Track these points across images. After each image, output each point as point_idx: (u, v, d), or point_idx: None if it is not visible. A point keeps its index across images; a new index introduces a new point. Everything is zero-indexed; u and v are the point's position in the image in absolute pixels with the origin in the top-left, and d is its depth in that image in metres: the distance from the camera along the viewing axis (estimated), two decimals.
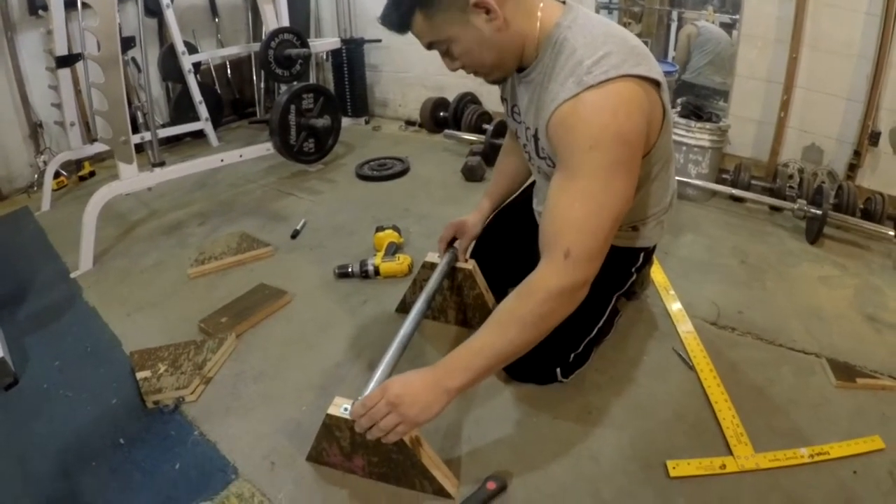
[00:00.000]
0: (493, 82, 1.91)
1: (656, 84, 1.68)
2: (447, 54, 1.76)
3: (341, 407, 1.71)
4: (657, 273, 2.83)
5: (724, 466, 1.79)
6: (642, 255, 2.22)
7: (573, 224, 1.60)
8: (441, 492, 1.75)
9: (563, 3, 1.78)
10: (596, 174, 1.57)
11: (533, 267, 1.65)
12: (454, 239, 2.44)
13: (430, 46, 1.76)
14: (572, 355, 2.10)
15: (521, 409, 2.08)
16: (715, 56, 5.14)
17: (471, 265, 2.40)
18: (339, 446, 1.80)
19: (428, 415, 1.57)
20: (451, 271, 2.41)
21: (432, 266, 2.38)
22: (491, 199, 2.49)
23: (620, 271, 2.22)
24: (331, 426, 1.76)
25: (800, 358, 2.28)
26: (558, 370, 2.10)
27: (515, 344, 1.61)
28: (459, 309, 2.52)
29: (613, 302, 2.23)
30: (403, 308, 2.65)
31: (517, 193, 2.57)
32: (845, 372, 2.16)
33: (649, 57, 1.70)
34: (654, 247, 2.31)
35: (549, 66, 1.71)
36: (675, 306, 2.60)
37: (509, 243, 2.48)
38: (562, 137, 1.63)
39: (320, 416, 1.76)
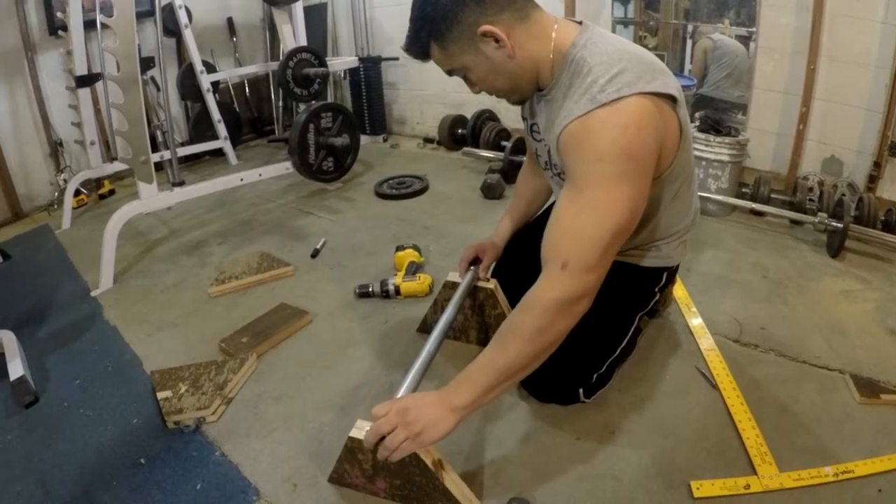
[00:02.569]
0: (514, 104, 1.95)
1: (672, 100, 1.69)
2: (466, 80, 1.82)
3: (363, 430, 1.69)
4: (678, 289, 2.81)
5: (748, 486, 1.77)
6: (665, 274, 2.21)
7: (572, 235, 1.61)
8: None
9: (579, 22, 1.79)
10: (600, 186, 1.59)
11: None
12: (476, 259, 2.43)
13: (450, 73, 1.82)
14: (595, 375, 2.08)
15: (543, 429, 2.06)
16: (733, 69, 5.11)
17: (492, 284, 2.39)
18: (360, 468, 1.79)
19: (434, 433, 1.57)
20: (473, 291, 2.41)
21: (454, 285, 2.36)
22: (511, 219, 2.51)
23: (644, 291, 2.21)
24: (353, 449, 1.75)
25: (823, 374, 2.25)
26: (581, 390, 2.08)
27: (517, 359, 1.61)
28: (481, 329, 2.50)
29: (637, 322, 2.21)
30: (424, 328, 2.63)
31: (539, 213, 2.58)
32: (869, 388, 2.13)
33: (666, 72, 1.71)
34: (678, 266, 2.31)
35: (566, 85, 1.72)
36: (696, 323, 2.58)
37: (530, 263, 2.43)
38: (570, 151, 1.64)
39: (342, 436, 1.75)
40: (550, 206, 2.50)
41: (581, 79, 1.65)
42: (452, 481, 1.69)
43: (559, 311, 1.60)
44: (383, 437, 1.57)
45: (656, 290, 2.24)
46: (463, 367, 1.66)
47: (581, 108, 1.61)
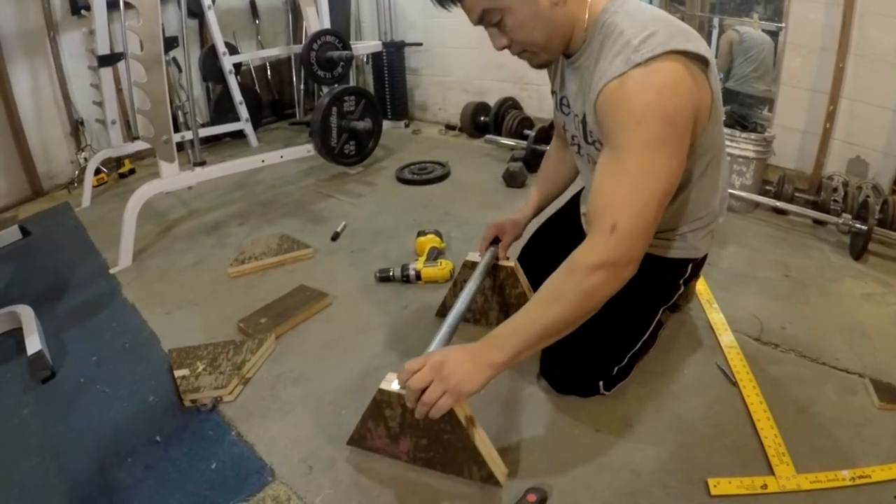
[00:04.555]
0: (539, 65, 1.87)
1: (705, 64, 1.66)
2: (499, 26, 1.73)
3: (394, 382, 1.68)
4: (700, 283, 2.78)
5: (765, 486, 1.74)
6: (690, 266, 2.18)
7: (619, 199, 1.59)
8: (490, 478, 1.73)
9: None
10: (640, 151, 1.57)
11: None
12: (496, 239, 2.42)
13: (481, 18, 1.73)
14: (616, 368, 2.06)
15: (562, 420, 2.04)
16: (759, 63, 5.04)
17: (513, 263, 2.38)
18: (386, 427, 1.77)
19: (470, 386, 1.55)
20: (493, 270, 2.40)
21: (473, 265, 2.35)
22: (534, 201, 2.49)
23: (668, 284, 2.18)
24: (381, 403, 1.73)
25: (842, 377, 2.21)
26: (601, 383, 2.05)
27: (558, 322, 1.59)
28: (501, 309, 2.49)
29: (659, 315, 2.18)
30: (443, 312, 2.61)
31: (566, 202, 2.58)
32: (888, 393, 2.09)
33: (698, 37, 1.67)
34: (704, 259, 2.27)
35: (597, 49, 1.70)
36: (717, 319, 2.55)
37: (557, 251, 2.42)
38: (608, 114, 1.63)
39: (359, 419, 1.74)
40: (575, 197, 2.50)
41: (612, 40, 1.64)
42: (482, 440, 1.69)
43: (606, 275, 1.58)
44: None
45: (681, 282, 2.20)
46: None
47: (615, 69, 1.59)
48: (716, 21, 5.57)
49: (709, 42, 5.61)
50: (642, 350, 2.16)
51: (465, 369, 1.55)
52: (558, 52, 1.84)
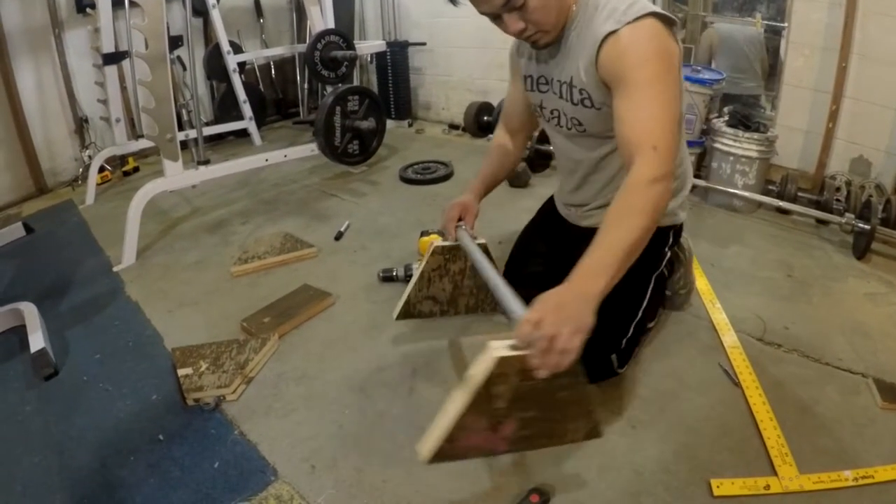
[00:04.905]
0: (545, 45, 2.00)
1: (674, 26, 1.85)
2: (521, 9, 1.83)
3: (504, 347, 1.46)
4: (702, 284, 2.78)
5: (768, 487, 1.74)
6: (672, 233, 2.32)
7: (650, 126, 1.74)
8: (594, 430, 1.71)
9: None
10: (653, 84, 1.75)
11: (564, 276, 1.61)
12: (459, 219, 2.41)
13: (509, 3, 1.80)
14: (624, 340, 2.12)
15: None
16: (737, 59, 5.00)
17: (484, 240, 2.35)
18: (490, 414, 1.53)
19: (587, 323, 1.48)
20: (458, 252, 2.38)
21: (447, 250, 2.35)
22: (484, 182, 2.53)
23: (655, 251, 2.23)
24: (493, 380, 1.45)
25: (845, 377, 2.21)
26: (614, 357, 2.09)
27: (638, 234, 1.63)
28: (472, 293, 2.49)
29: (653, 283, 2.23)
30: (408, 313, 2.54)
31: (536, 214, 2.72)
32: (891, 393, 2.08)
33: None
34: (682, 226, 2.38)
35: (584, 22, 1.90)
36: (720, 319, 2.55)
37: (543, 256, 2.51)
38: (615, 63, 1.81)
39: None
40: (549, 201, 2.65)
41: (600, 11, 1.86)
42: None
43: (662, 187, 1.69)
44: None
45: (666, 249, 2.30)
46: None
47: (609, 26, 1.80)
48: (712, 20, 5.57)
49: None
50: (644, 320, 2.20)
51: (579, 305, 1.50)
52: (557, 34, 1.98)
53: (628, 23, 1.77)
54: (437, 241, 2.39)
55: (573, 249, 1.87)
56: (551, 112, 2.20)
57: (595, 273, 1.57)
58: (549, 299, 1.50)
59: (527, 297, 1.69)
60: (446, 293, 2.49)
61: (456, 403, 1.50)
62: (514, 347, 1.44)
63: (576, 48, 1.94)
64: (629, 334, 2.13)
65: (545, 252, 2.51)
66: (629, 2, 1.81)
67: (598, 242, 1.63)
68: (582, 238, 1.97)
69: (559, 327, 1.41)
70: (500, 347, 1.46)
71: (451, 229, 2.35)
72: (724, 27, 5.27)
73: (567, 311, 1.46)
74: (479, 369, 1.46)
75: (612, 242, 1.61)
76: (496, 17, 1.87)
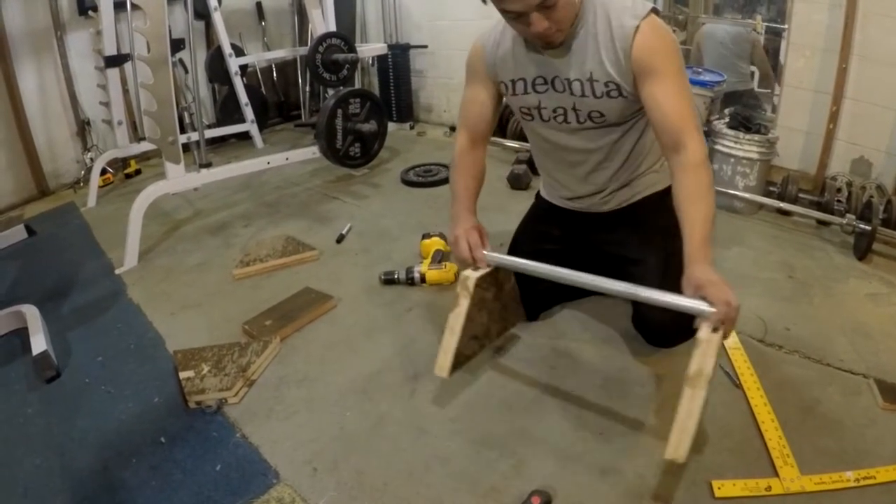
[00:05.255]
0: (558, 44, 2.05)
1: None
2: (552, 7, 1.88)
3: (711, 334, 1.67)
4: None
5: (769, 488, 1.74)
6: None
7: (687, 110, 1.96)
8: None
9: None
10: (679, 75, 1.98)
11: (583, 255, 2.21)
12: None
13: (545, 2, 1.85)
14: None
15: (566, 424, 2.04)
16: (717, 58, 4.99)
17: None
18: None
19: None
20: (495, 277, 2.27)
21: (486, 279, 2.16)
22: (471, 198, 2.40)
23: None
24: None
25: (847, 378, 2.21)
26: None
27: (713, 204, 1.87)
28: (492, 318, 2.36)
29: None
30: (456, 366, 2.18)
31: (535, 208, 2.74)
32: (892, 394, 2.08)
33: None
34: None
35: (593, 19, 2.02)
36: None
37: (552, 241, 2.53)
38: (648, 54, 1.95)
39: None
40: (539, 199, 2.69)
41: (606, 8, 2.01)
42: None
43: (709, 165, 1.95)
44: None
45: None
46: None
47: (631, 22, 1.95)
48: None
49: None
50: None
51: (716, 273, 1.74)
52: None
53: (643, 17, 1.94)
54: (470, 273, 2.13)
55: (600, 233, 2.42)
56: (553, 111, 2.22)
57: (704, 245, 1.80)
58: (706, 280, 1.70)
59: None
60: (484, 325, 2.33)
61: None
62: (716, 329, 1.65)
63: (591, 45, 2.03)
64: None
65: (559, 236, 2.52)
66: (627, 1, 2.01)
67: (691, 220, 1.84)
68: (608, 221, 2.41)
69: (733, 295, 1.66)
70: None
71: (480, 257, 2.17)
72: (708, 27, 5.27)
73: (722, 282, 1.69)
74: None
75: (703, 217, 1.83)
76: (519, 16, 1.89)
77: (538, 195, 2.72)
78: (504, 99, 2.35)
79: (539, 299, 2.55)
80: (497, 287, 2.29)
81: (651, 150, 2.35)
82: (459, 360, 2.10)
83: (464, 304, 2.08)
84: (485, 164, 2.46)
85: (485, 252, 2.14)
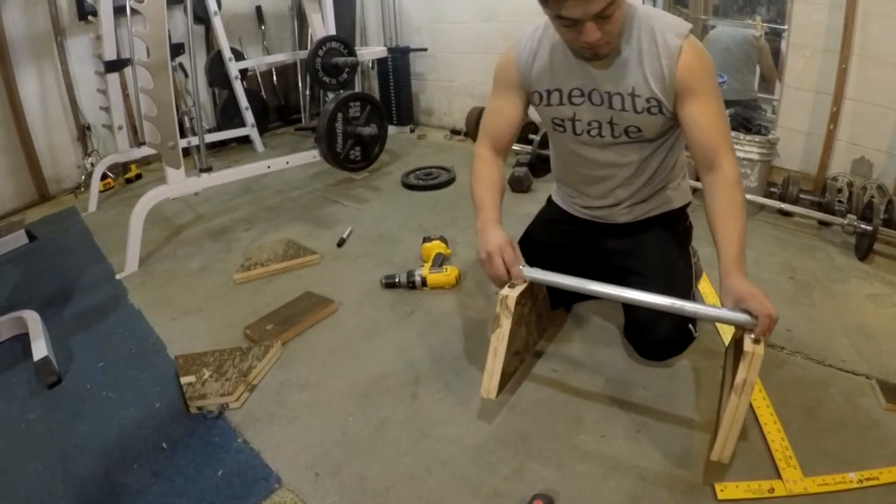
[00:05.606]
0: (604, 56, 2.05)
1: None
2: (608, 18, 1.88)
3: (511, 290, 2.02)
4: (706, 287, 2.78)
5: (772, 490, 1.74)
6: (687, 209, 2.55)
7: (725, 129, 2.05)
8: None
9: None
10: (717, 95, 2.03)
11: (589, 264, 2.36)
12: None
13: (603, 10, 1.84)
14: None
15: (568, 426, 2.04)
16: (728, 63, 4.99)
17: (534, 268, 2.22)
18: (517, 330, 2.11)
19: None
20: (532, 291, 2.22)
21: (525, 295, 2.12)
22: (496, 209, 2.30)
23: (687, 227, 2.54)
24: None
25: (849, 379, 2.21)
26: (691, 326, 2.22)
27: (745, 222, 1.95)
28: (534, 328, 2.36)
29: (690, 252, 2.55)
30: (502, 385, 2.10)
31: (546, 213, 2.73)
32: (895, 395, 2.08)
33: None
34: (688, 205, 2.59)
35: (637, 35, 2.03)
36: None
37: (558, 247, 2.52)
38: (691, 74, 1.99)
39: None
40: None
41: (650, 25, 2.02)
42: None
43: (741, 183, 2.03)
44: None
45: (688, 223, 2.55)
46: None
47: (676, 41, 1.98)
48: (720, 25, 5.56)
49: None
50: (693, 286, 2.50)
51: (755, 285, 1.81)
52: None
53: (685, 37, 1.99)
54: (509, 292, 2.05)
55: (610, 241, 2.45)
56: (588, 123, 2.20)
57: (740, 261, 1.88)
58: (747, 292, 1.76)
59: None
60: (523, 339, 2.27)
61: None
62: (757, 341, 1.69)
63: (634, 59, 2.04)
64: (693, 298, 2.40)
65: (569, 244, 2.51)
66: (668, 16, 2.07)
67: (727, 236, 1.92)
68: (620, 231, 2.42)
69: (772, 307, 1.70)
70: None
71: (518, 274, 2.11)
72: (714, 32, 5.26)
73: (762, 293, 1.75)
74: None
75: (739, 235, 1.91)
76: (574, 24, 1.87)
77: (550, 200, 2.71)
78: (531, 109, 2.33)
79: (561, 297, 2.52)
80: (532, 299, 2.26)
81: (674, 167, 2.38)
82: (504, 379, 2.07)
83: (506, 325, 2.03)
84: (504, 174, 2.46)
85: (523, 270, 2.09)
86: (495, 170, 2.36)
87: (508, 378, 2.15)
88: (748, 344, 1.67)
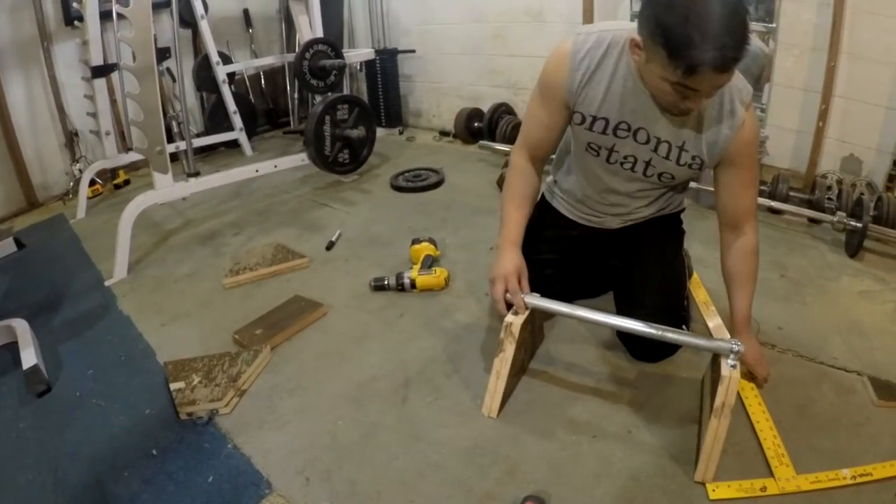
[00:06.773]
0: (685, 113, 1.97)
1: None
2: (711, 95, 1.81)
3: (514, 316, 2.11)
4: (697, 289, 2.78)
5: (764, 489, 1.74)
6: (681, 214, 2.62)
7: (755, 199, 2.18)
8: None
9: None
10: (756, 165, 2.20)
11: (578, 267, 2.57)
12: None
13: (718, 87, 1.76)
14: (685, 299, 2.49)
15: (560, 428, 2.04)
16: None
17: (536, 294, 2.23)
18: (518, 353, 2.14)
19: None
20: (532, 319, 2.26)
21: (527, 322, 2.15)
22: (520, 226, 2.29)
23: (679, 231, 2.59)
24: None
25: (841, 376, 2.22)
26: (684, 327, 2.30)
27: (755, 286, 2.16)
28: (529, 348, 2.37)
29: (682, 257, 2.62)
30: (503, 404, 2.18)
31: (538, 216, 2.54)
32: (887, 391, 2.09)
33: None
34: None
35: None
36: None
37: (553, 252, 2.54)
38: (740, 147, 2.01)
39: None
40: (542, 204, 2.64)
41: (725, 88, 1.88)
42: None
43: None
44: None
45: (682, 226, 2.62)
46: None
47: (740, 111, 1.96)
48: None
49: None
50: (685, 289, 2.58)
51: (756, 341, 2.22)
52: None
53: (748, 108, 1.97)
54: (514, 319, 2.09)
55: (606, 244, 2.50)
56: (625, 157, 2.14)
57: (747, 323, 2.15)
58: (757, 346, 2.20)
59: (538, 280, 2.27)
60: (521, 360, 2.29)
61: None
62: (747, 373, 2.15)
63: (695, 116, 1.98)
64: (685, 292, 2.52)
65: (564, 247, 2.53)
66: (737, 77, 1.88)
67: (741, 298, 2.14)
68: (620, 232, 2.45)
69: (768, 370, 2.17)
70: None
71: (520, 304, 2.13)
72: None
73: (761, 355, 2.19)
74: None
75: (749, 298, 2.14)
76: (688, 91, 1.72)
77: (545, 201, 2.63)
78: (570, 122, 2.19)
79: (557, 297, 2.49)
80: (532, 323, 2.29)
81: (682, 196, 2.54)
82: (504, 399, 2.13)
83: (509, 350, 2.09)
84: (539, 185, 2.36)
85: (524, 298, 2.12)
86: (528, 181, 2.31)
87: (508, 395, 2.17)
88: (725, 368, 1.76)
